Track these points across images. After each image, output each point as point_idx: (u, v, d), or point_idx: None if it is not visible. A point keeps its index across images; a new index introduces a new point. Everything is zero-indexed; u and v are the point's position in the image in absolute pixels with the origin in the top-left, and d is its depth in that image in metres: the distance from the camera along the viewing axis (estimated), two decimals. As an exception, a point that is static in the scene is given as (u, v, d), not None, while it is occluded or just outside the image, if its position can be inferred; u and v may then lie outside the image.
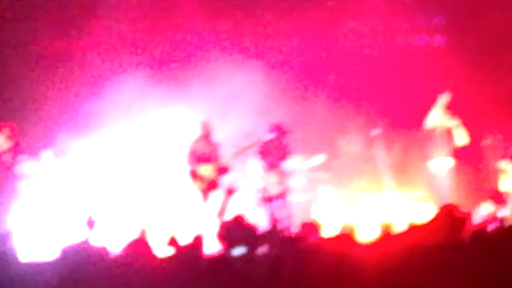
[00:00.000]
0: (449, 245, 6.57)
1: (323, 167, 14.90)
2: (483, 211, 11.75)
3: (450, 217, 8.11)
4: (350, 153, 15.13)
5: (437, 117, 12.93)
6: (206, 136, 12.60)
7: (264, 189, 12.62)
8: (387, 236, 8.29)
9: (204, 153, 12.47)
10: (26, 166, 13.17)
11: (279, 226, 10.44)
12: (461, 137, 13.01)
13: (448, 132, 13.08)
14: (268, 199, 12.58)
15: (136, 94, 13.91)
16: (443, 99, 12.93)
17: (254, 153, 12.85)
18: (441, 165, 13.00)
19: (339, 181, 14.70)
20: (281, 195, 12.64)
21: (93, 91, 14.50)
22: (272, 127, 12.87)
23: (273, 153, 12.72)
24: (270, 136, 12.79)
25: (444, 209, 8.79)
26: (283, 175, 12.73)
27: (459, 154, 13.25)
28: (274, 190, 12.55)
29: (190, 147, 12.56)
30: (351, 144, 15.22)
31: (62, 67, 14.94)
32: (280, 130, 12.81)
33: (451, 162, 13.11)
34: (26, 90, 14.95)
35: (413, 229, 8.19)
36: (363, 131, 14.97)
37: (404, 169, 14.85)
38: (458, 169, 13.27)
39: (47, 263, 7.46)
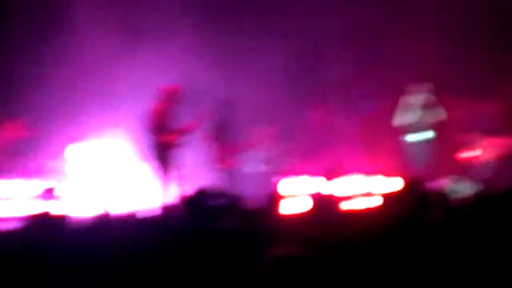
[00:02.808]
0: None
1: (289, 138, 14.91)
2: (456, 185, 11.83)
3: (415, 190, 8.11)
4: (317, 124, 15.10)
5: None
6: (169, 102, 12.34)
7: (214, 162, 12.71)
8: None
9: (168, 121, 12.32)
10: None
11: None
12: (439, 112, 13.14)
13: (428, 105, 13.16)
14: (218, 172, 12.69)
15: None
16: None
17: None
18: (419, 137, 13.08)
19: (305, 153, 14.70)
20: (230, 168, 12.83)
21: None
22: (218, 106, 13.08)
23: (220, 128, 12.97)
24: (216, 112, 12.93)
25: (409, 182, 8.80)
26: (230, 148, 12.87)
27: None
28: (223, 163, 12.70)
29: (153, 115, 12.33)
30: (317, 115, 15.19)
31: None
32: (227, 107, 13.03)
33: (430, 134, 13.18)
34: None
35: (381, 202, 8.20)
36: (329, 101, 14.95)
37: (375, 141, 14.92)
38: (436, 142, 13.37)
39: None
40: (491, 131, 13.31)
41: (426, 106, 13.17)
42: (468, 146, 13.38)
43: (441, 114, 13.18)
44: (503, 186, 8.57)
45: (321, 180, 13.38)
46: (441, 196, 7.26)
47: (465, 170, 12.63)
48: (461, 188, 11.37)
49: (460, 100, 14.72)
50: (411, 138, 13.25)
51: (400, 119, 13.17)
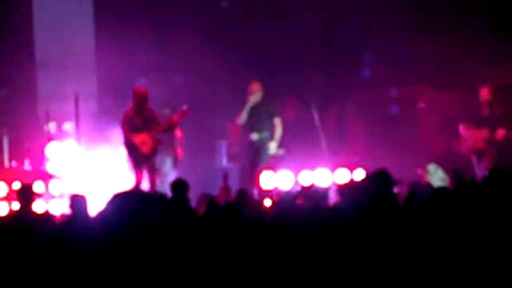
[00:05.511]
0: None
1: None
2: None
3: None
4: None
5: None
6: (139, 104, 11.98)
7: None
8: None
9: (138, 123, 11.97)
10: None
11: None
12: None
13: None
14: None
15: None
16: None
17: None
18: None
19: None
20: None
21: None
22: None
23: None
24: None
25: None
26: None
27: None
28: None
29: (124, 117, 12.00)
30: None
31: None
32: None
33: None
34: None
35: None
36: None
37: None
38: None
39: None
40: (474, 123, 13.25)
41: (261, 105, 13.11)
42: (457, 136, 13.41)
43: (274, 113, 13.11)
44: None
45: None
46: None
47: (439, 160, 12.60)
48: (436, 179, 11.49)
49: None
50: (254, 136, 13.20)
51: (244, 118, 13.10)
